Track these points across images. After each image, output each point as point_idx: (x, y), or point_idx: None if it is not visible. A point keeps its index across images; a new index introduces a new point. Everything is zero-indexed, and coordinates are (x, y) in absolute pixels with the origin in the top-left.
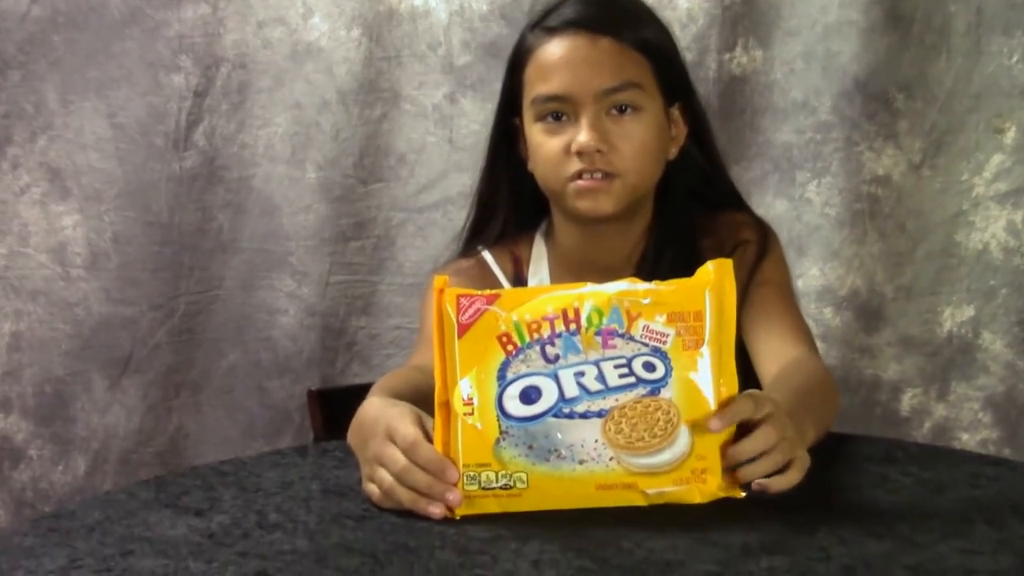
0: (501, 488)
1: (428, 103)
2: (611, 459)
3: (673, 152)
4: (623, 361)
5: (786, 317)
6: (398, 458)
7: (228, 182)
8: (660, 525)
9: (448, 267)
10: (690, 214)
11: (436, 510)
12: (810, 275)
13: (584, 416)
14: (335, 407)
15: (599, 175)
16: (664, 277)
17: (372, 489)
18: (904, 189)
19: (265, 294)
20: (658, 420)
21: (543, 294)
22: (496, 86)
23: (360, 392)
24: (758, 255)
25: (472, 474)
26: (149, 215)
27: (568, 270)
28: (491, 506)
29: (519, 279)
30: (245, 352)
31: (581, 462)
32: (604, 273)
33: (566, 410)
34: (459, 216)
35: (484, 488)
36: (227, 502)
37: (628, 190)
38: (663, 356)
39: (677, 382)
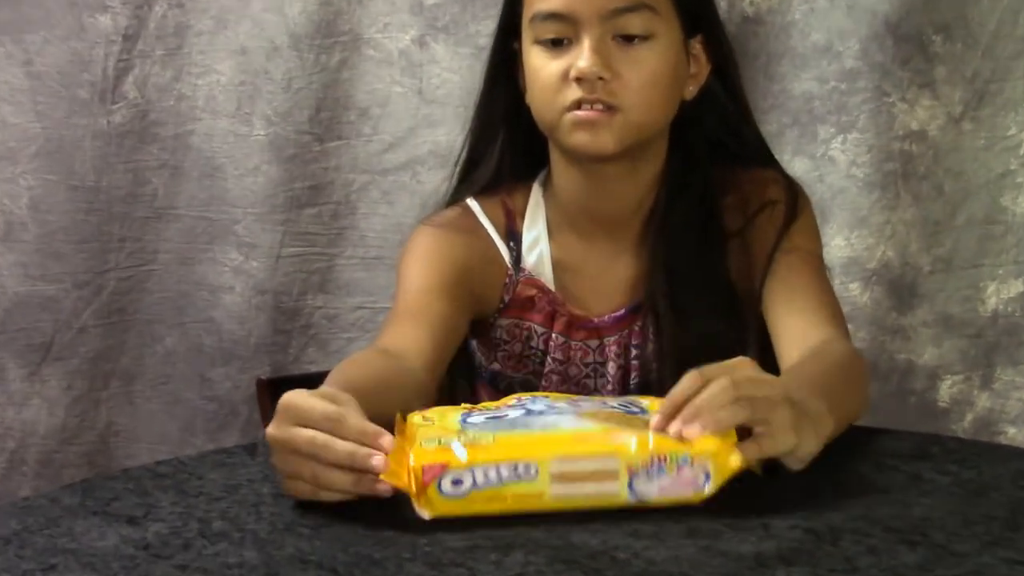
0: (464, 442)
1: (394, 48)
2: (587, 425)
3: (691, 91)
4: (602, 402)
5: (814, 293)
6: (312, 435)
7: (163, 140)
8: (661, 532)
9: (433, 219)
10: (709, 165)
11: (382, 487)
12: (834, 245)
13: (559, 413)
14: None
15: (599, 106)
16: (677, 233)
17: (297, 487)
18: (942, 146)
19: (207, 269)
20: (635, 422)
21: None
22: (472, 28)
23: (317, 381)
24: (787, 219)
25: (429, 438)
26: (72, 178)
27: (568, 222)
28: (452, 460)
29: (511, 233)
30: (184, 336)
31: (554, 427)
32: (608, 226)
33: (537, 409)
34: (430, 178)
35: (443, 445)
36: (164, 508)
37: (632, 127)
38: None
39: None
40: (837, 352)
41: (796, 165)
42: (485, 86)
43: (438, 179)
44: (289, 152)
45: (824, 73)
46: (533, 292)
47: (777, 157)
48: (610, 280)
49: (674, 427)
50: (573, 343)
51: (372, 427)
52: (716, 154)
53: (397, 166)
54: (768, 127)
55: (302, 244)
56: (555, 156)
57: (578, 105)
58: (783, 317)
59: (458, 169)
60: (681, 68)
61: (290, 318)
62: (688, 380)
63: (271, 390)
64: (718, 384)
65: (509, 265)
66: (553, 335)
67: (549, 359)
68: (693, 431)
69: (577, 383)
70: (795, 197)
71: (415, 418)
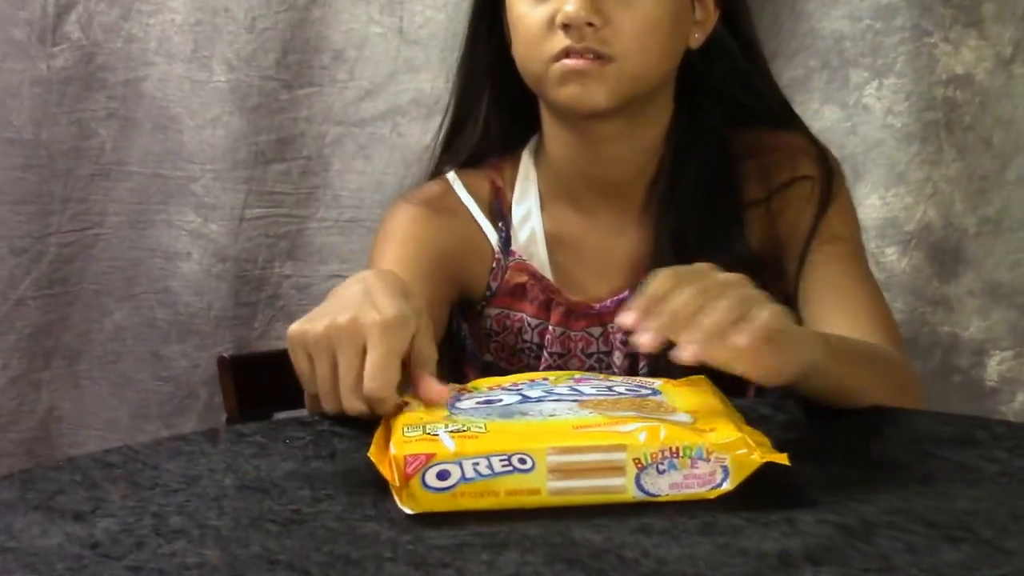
0: (453, 431)
1: None
2: (590, 414)
3: (696, 39)
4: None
5: (861, 294)
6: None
7: (111, 87)
8: (673, 528)
9: (412, 195)
10: (722, 123)
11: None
12: (868, 205)
13: (558, 399)
14: (254, 379)
15: (589, 55)
16: (686, 202)
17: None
18: (990, 92)
19: (161, 233)
20: (648, 405)
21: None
22: None
23: (287, 360)
24: (822, 200)
25: (412, 425)
26: (8, 130)
27: (562, 192)
28: (439, 450)
29: (498, 209)
30: (135, 309)
31: (552, 415)
32: (608, 195)
33: (535, 395)
34: (411, 131)
35: (429, 434)
36: (115, 503)
37: (627, 79)
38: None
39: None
40: (883, 348)
41: (825, 115)
42: (467, 39)
43: (421, 131)
44: (253, 101)
45: (857, 10)
46: (524, 279)
47: (804, 106)
48: (612, 258)
49: (650, 337)
50: (573, 333)
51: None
52: (730, 112)
53: (375, 116)
54: (793, 71)
55: (268, 205)
56: (545, 116)
57: (565, 54)
58: (822, 317)
59: (442, 136)
60: (684, 13)
61: (255, 288)
62: (658, 278)
63: (234, 369)
64: (724, 300)
65: (496, 248)
66: (550, 327)
67: (546, 353)
68: (688, 353)
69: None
70: (830, 173)
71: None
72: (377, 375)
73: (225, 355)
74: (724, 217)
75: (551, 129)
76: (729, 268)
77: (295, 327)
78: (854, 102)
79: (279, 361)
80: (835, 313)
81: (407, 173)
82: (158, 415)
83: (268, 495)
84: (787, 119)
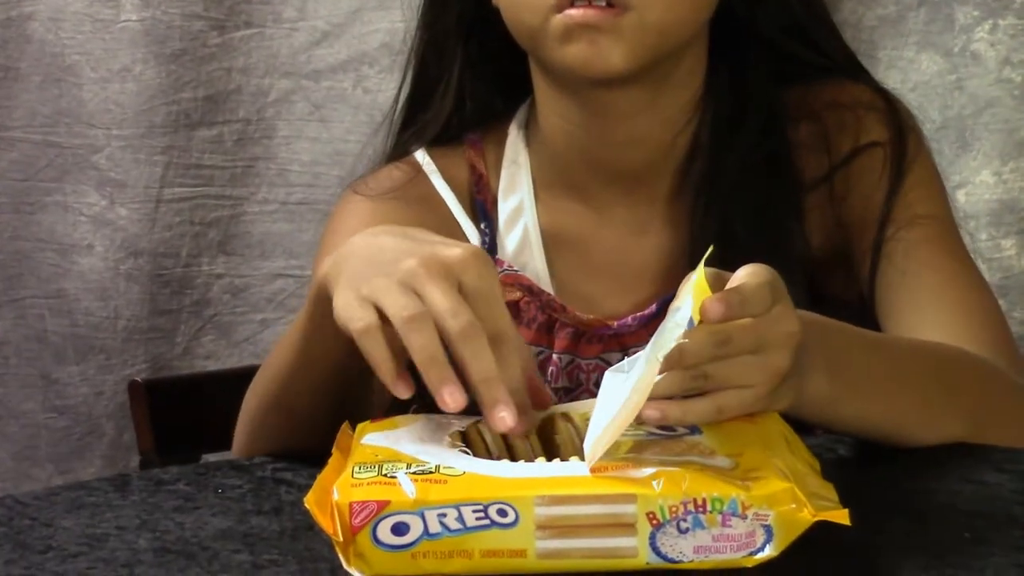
0: (416, 474)
1: None
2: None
3: None
4: None
5: (953, 291)
6: (456, 299)
7: None
8: None
9: (365, 183)
10: (771, 82)
11: (508, 417)
12: (979, 182)
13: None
14: (175, 410)
15: (601, 3)
16: (730, 190)
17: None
18: None
19: (53, 219)
20: (677, 446)
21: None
22: None
23: (219, 384)
24: (896, 172)
25: (366, 464)
26: None
27: (564, 180)
28: (395, 496)
29: (480, 205)
30: (20, 318)
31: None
32: (625, 183)
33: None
34: (382, 85)
35: (385, 476)
36: None
37: (650, 32)
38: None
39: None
40: (974, 355)
41: (923, 65)
42: None
43: (393, 86)
44: (174, 46)
45: None
46: (517, 296)
47: (896, 52)
48: (631, 263)
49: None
50: (584, 362)
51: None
52: (780, 68)
53: (334, 66)
54: (882, 8)
55: (194, 182)
56: (540, 83)
57: (570, 1)
58: (907, 325)
59: (400, 109)
60: None
61: (177, 291)
62: (759, 291)
63: (149, 397)
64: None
65: None
66: (554, 355)
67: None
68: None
69: None
70: (903, 134)
71: (363, 430)
72: (506, 316)
73: (138, 379)
74: (779, 208)
75: (548, 100)
76: (785, 273)
77: (343, 299)
78: (960, 48)
79: (207, 386)
80: (922, 322)
81: (375, 142)
82: (50, 457)
83: (195, 561)
84: (852, 73)
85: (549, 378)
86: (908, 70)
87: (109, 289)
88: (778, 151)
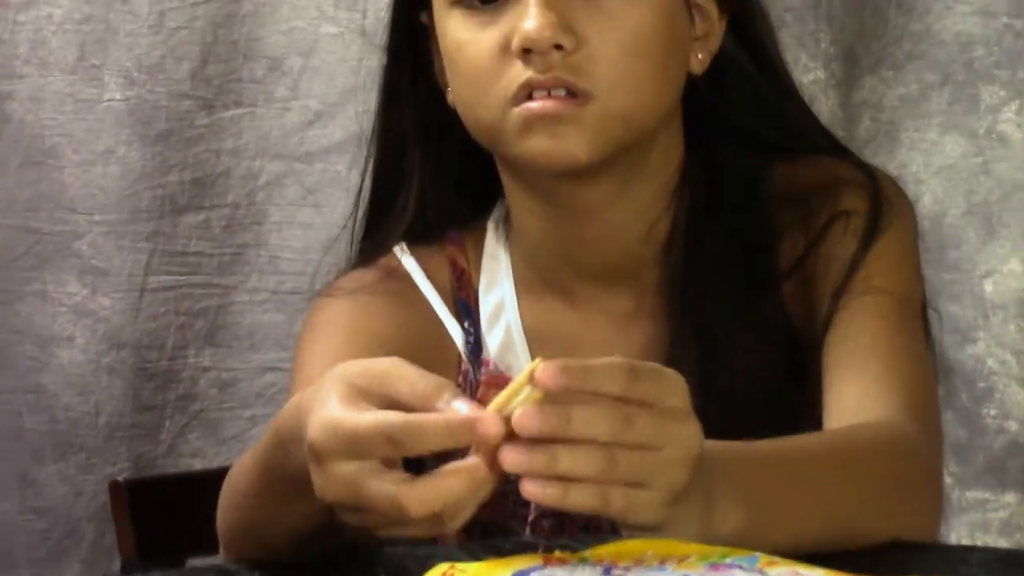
0: None
1: None
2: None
3: (700, 59)
4: None
5: (885, 352)
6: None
7: None
8: None
9: (339, 284)
10: (753, 163)
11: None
12: (1006, 272)
13: None
14: (159, 511)
15: (560, 92)
16: (710, 274)
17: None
18: None
19: (32, 309)
20: None
21: None
22: None
23: (206, 484)
24: (863, 240)
25: None
26: None
27: (543, 277)
28: None
29: (463, 302)
30: None
31: None
32: (607, 278)
33: None
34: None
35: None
36: None
37: (613, 121)
38: None
39: None
40: (885, 434)
41: (947, 147)
42: (382, 88)
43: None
44: (160, 127)
45: (991, 3)
46: None
47: (919, 134)
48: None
49: (511, 454)
50: None
51: (456, 416)
52: (758, 147)
53: (327, 148)
54: (903, 88)
55: (180, 270)
56: (507, 181)
57: (528, 93)
58: (835, 385)
59: (359, 218)
60: (681, 26)
61: (161, 386)
62: (610, 368)
63: (132, 498)
64: (596, 416)
65: (464, 354)
66: None
67: (534, 505)
68: (537, 491)
69: (585, 527)
70: (878, 204)
71: None
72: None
73: (120, 479)
74: (759, 298)
75: (517, 197)
76: (767, 366)
77: (320, 481)
78: (986, 130)
79: (193, 486)
80: (851, 377)
81: (358, 227)
82: (27, 560)
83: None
84: (834, 150)
85: None
86: (931, 152)
87: (90, 383)
88: (758, 237)
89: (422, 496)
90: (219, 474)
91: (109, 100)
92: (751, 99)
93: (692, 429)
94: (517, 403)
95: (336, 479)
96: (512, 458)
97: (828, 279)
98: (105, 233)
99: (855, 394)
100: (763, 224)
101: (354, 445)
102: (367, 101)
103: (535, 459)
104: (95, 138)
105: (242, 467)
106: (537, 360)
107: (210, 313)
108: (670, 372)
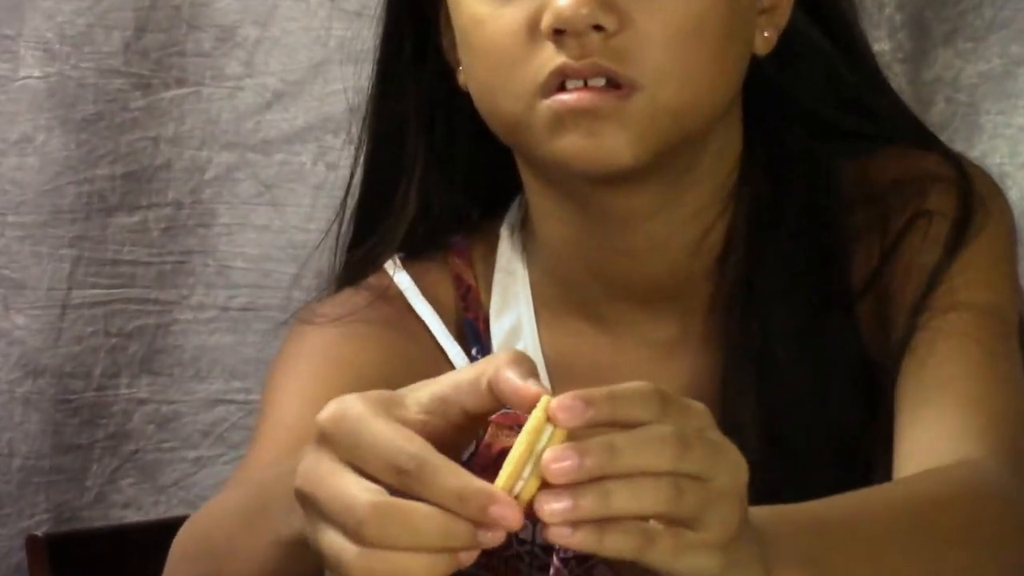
0: None
1: None
2: None
3: (766, 38)
4: None
5: (972, 381)
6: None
7: None
8: None
9: (322, 308)
10: (820, 159)
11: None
12: None
13: None
14: (83, 571)
15: (599, 81)
16: (777, 292)
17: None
18: None
19: None
20: None
21: None
22: None
23: (141, 539)
24: (948, 246)
25: None
26: None
27: (570, 299)
28: None
29: (470, 322)
30: None
31: None
32: (647, 298)
33: None
34: (350, 160)
35: None
36: None
37: (665, 117)
38: None
39: None
40: (969, 481)
41: None
42: (378, 63)
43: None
44: (86, 110)
45: None
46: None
47: (1004, 119)
48: None
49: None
50: None
51: (473, 483)
52: (831, 141)
53: (288, 135)
54: (984, 63)
55: (110, 283)
56: (530, 182)
57: (560, 83)
58: (910, 421)
59: (346, 222)
60: (743, 3)
61: (87, 422)
62: (642, 394)
63: (52, 555)
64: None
65: None
66: None
67: (556, 561)
68: (557, 513)
69: None
70: (969, 203)
71: None
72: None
73: (38, 533)
74: (830, 313)
75: (541, 203)
76: (830, 381)
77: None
78: None
79: (126, 541)
80: (928, 414)
81: (344, 232)
82: None
83: None
84: (920, 140)
85: (557, 546)
86: (1018, 140)
87: (2, 419)
88: (831, 247)
89: (387, 513)
90: (157, 527)
91: (25, 78)
92: (825, 81)
93: (738, 456)
94: (537, 453)
95: (314, 467)
96: (552, 509)
97: (906, 293)
98: (20, 238)
99: (934, 432)
100: (836, 231)
101: (354, 449)
102: (335, 79)
103: (583, 501)
104: (8, 123)
105: (216, 522)
106: (545, 397)
107: (147, 334)
108: (694, 401)
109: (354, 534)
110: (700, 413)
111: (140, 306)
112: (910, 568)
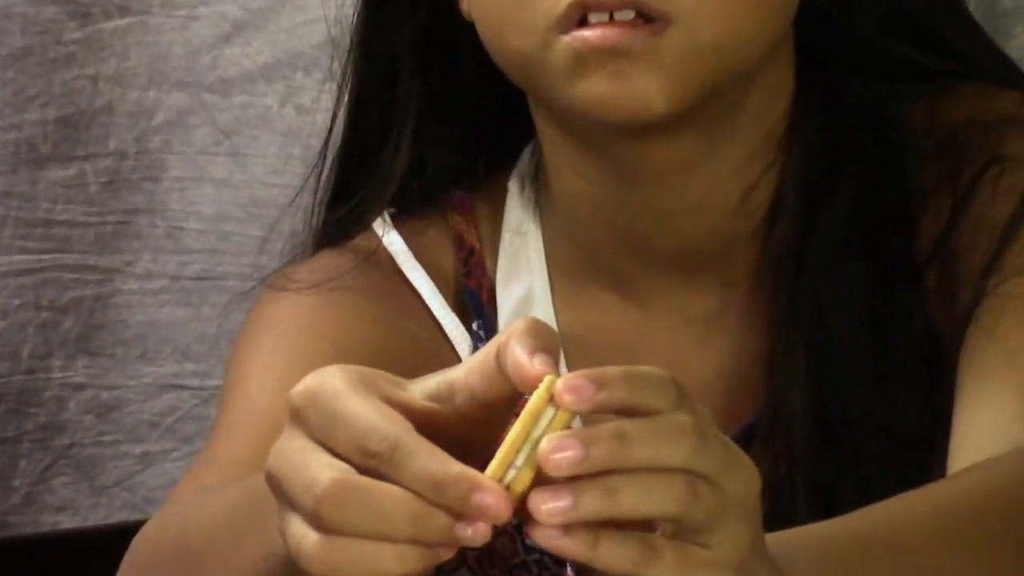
0: None
1: None
2: None
3: None
4: None
5: None
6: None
7: None
8: None
9: (297, 273)
10: (885, 96)
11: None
12: None
13: None
14: None
15: (628, 14)
16: (821, 269)
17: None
18: None
19: None
20: None
21: None
22: None
23: (78, 549)
24: (1021, 202)
25: None
26: None
27: (592, 265)
28: None
29: (471, 291)
30: None
31: None
32: (681, 266)
33: None
34: (324, 103)
35: None
36: None
37: (705, 56)
38: None
39: None
40: (1013, 475)
41: None
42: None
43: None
44: (13, 43)
45: None
46: None
47: None
48: (692, 377)
49: (545, 502)
50: None
51: (454, 467)
52: (896, 80)
53: (251, 73)
54: None
55: (41, 246)
56: (544, 130)
57: (582, 16)
58: (969, 399)
59: (328, 175)
60: None
61: (15, 411)
62: (649, 376)
63: None
64: (682, 440)
65: None
66: None
67: (570, 570)
68: (555, 513)
69: None
70: None
71: None
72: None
73: None
74: (895, 281)
75: (558, 154)
76: (893, 361)
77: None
78: None
79: (60, 551)
80: (991, 390)
81: (323, 186)
82: None
83: None
84: (998, 73)
85: None
86: None
87: None
88: (895, 205)
89: (347, 492)
90: (97, 535)
91: None
92: (890, 8)
93: (752, 468)
94: (534, 439)
95: (283, 445)
96: (549, 508)
97: (974, 253)
98: None
99: (992, 413)
100: (903, 186)
101: (325, 427)
102: (305, 7)
103: (586, 500)
104: None
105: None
106: (550, 376)
107: (84, 307)
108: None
109: (313, 517)
110: (709, 415)
111: (76, 274)
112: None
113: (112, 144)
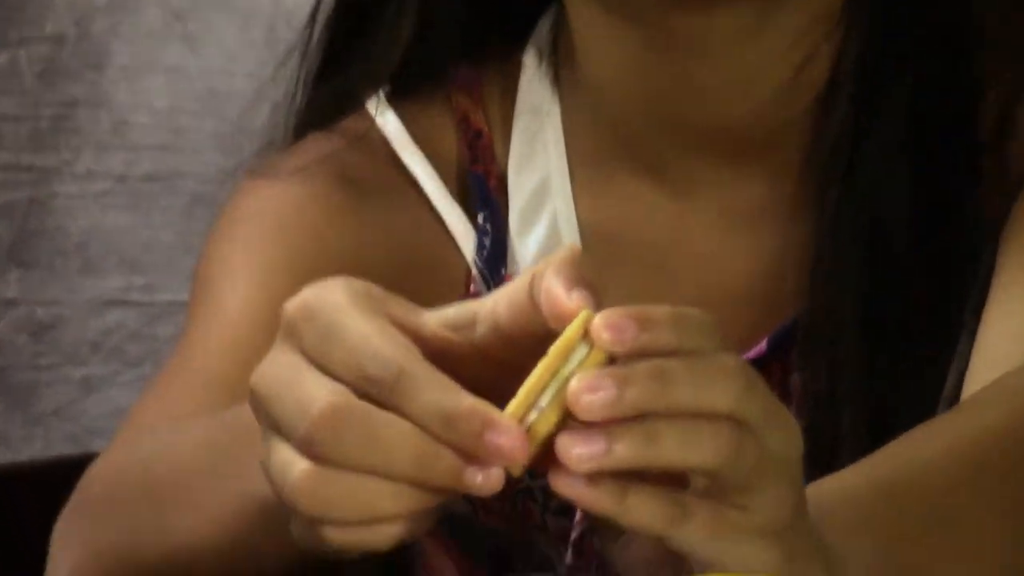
0: None
1: None
2: None
3: None
4: None
5: None
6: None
7: None
8: None
9: (280, 164)
10: None
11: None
12: None
13: None
14: None
15: None
16: (880, 163)
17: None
18: None
19: None
20: None
21: None
22: None
23: (11, 487)
24: None
25: None
26: None
27: (621, 150)
28: None
29: (478, 178)
30: None
31: None
32: (721, 157)
33: None
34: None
35: None
36: None
37: None
38: None
39: None
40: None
41: None
42: None
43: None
44: None
45: None
46: None
47: None
48: (730, 277)
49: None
50: None
51: (466, 400)
52: None
53: None
54: None
55: None
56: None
57: None
58: (996, 308)
59: (316, 45)
60: None
61: None
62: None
63: None
64: (731, 383)
65: (475, 266)
66: None
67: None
68: (585, 459)
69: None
70: None
71: None
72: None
73: None
74: (960, 173)
75: (585, 21)
76: (951, 262)
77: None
78: None
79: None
80: (1013, 303)
81: (285, 77)
82: None
83: None
84: None
85: None
86: None
87: None
88: (964, 88)
89: (347, 417)
90: (33, 470)
91: None
92: None
93: (796, 425)
94: (563, 377)
95: (271, 362)
96: (580, 452)
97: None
98: None
99: (1015, 324)
100: (971, 67)
101: (321, 344)
102: None
103: (622, 445)
104: None
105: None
106: (586, 312)
107: (17, 212)
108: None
109: (304, 442)
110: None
111: (7, 174)
112: (993, 529)
113: (48, 27)
